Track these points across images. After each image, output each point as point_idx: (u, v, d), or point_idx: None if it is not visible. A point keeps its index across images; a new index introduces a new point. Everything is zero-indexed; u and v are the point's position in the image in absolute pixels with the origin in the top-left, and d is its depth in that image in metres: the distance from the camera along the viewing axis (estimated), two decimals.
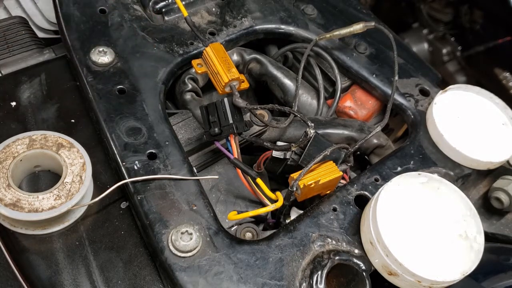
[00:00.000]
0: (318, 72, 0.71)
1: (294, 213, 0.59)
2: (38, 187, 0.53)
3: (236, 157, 0.53)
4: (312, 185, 0.51)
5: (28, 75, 0.62)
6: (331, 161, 0.54)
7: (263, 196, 0.52)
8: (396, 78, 0.63)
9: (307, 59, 0.72)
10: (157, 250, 0.47)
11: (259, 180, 0.51)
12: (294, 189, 0.50)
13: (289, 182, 0.52)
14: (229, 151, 0.53)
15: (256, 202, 0.61)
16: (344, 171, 0.57)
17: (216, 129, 0.53)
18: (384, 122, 0.60)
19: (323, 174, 0.52)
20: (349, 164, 0.58)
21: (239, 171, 0.53)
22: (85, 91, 0.58)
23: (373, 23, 0.64)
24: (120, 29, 0.64)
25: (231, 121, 0.53)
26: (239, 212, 0.51)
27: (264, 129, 0.63)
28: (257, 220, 0.58)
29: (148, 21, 0.66)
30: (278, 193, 0.51)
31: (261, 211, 0.49)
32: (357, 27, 0.64)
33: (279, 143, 0.60)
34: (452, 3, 1.05)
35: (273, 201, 0.51)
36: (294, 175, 0.51)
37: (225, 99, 0.54)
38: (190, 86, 0.66)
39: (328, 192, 0.55)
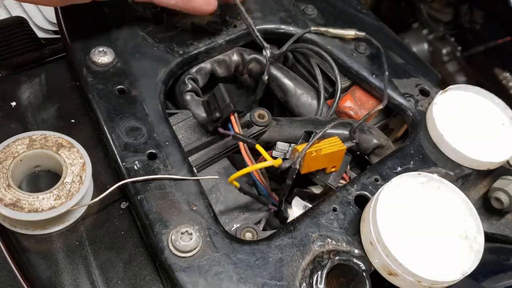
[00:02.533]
0: (318, 72, 0.71)
1: (296, 209, 0.59)
2: (38, 187, 0.53)
3: (237, 132, 0.54)
4: (313, 154, 0.51)
5: (28, 75, 0.62)
6: (336, 137, 0.54)
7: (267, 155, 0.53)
8: (388, 91, 0.66)
9: (308, 59, 0.72)
10: (157, 250, 0.47)
11: (258, 146, 0.52)
12: (297, 166, 0.51)
13: (293, 153, 0.53)
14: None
15: (257, 201, 0.61)
16: (349, 148, 0.57)
17: (217, 113, 0.54)
18: (384, 103, 0.62)
19: (326, 146, 0.53)
20: (354, 141, 0.58)
21: (242, 146, 0.54)
22: (85, 91, 0.58)
23: (363, 34, 0.69)
24: (120, 29, 0.64)
25: (228, 100, 0.54)
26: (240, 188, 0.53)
27: (264, 129, 0.63)
28: (260, 201, 0.58)
29: (148, 21, 0.66)
30: (279, 159, 0.52)
31: (260, 166, 0.50)
32: (349, 32, 0.69)
33: (279, 144, 0.60)
34: (452, 3, 1.05)
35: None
36: (299, 147, 0.52)
37: (220, 84, 0.55)
38: (190, 86, 0.66)
39: (333, 169, 0.56)
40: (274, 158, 0.59)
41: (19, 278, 0.48)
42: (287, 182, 0.53)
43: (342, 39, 0.70)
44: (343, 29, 0.70)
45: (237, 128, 0.55)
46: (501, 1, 0.89)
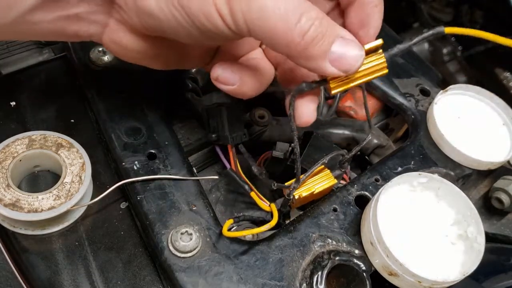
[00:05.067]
0: None
1: (294, 213, 0.59)
2: (38, 187, 0.53)
3: (233, 167, 0.52)
4: (307, 195, 0.51)
5: (27, 75, 0.62)
6: (326, 168, 0.54)
7: (261, 202, 0.52)
8: (388, 91, 0.63)
9: None
10: (157, 250, 0.47)
11: (253, 194, 0.51)
12: (291, 197, 0.50)
13: (283, 191, 0.52)
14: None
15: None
16: (337, 177, 0.56)
17: (214, 135, 0.53)
18: (368, 138, 0.60)
19: (318, 183, 0.52)
20: (342, 170, 0.58)
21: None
22: (85, 91, 0.58)
23: None
24: None
25: (227, 133, 0.52)
26: (235, 220, 0.51)
27: (264, 129, 0.63)
28: (257, 221, 0.58)
29: None
30: (272, 205, 0.50)
31: (256, 231, 0.48)
32: None
33: (279, 143, 0.60)
34: (453, 2, 1.05)
35: (267, 212, 0.51)
36: (289, 184, 0.51)
37: (224, 109, 0.53)
38: (190, 86, 0.66)
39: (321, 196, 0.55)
40: (275, 157, 0.59)
41: (19, 278, 0.47)
42: (281, 209, 0.53)
43: None
44: None
45: (233, 162, 0.53)
46: (501, 1, 0.89)
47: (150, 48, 0.45)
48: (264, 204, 0.51)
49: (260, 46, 0.51)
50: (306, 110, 0.44)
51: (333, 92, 0.42)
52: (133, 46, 0.44)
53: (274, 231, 0.51)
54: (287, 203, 0.51)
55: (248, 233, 0.48)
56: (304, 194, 0.50)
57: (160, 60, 0.47)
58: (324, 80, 0.42)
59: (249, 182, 0.52)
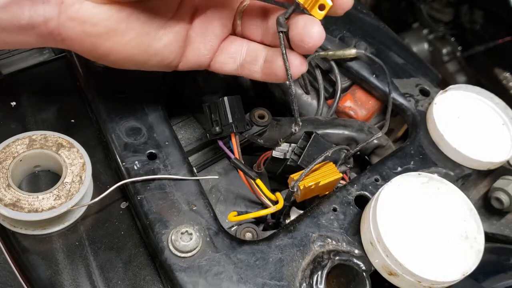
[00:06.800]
0: (318, 72, 0.71)
1: (294, 213, 0.59)
2: (38, 187, 0.53)
3: (237, 157, 0.53)
4: (312, 187, 0.51)
5: (28, 75, 0.62)
6: (331, 162, 0.54)
7: (264, 197, 0.52)
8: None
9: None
10: (157, 250, 0.47)
11: (259, 181, 0.51)
12: (295, 190, 0.50)
13: (289, 183, 0.52)
14: (230, 150, 0.53)
15: (257, 202, 0.61)
16: (344, 172, 0.57)
17: (217, 128, 0.53)
18: (385, 128, 0.61)
19: (323, 175, 0.52)
20: (348, 166, 0.58)
21: (240, 173, 0.53)
22: (85, 91, 0.58)
23: (363, 51, 0.68)
24: None
25: (230, 121, 0.53)
26: (239, 213, 0.51)
27: (264, 129, 0.63)
28: (257, 220, 0.58)
29: None
30: (278, 194, 0.51)
31: (262, 213, 0.48)
32: (350, 52, 0.68)
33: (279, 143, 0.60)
34: (452, 3, 1.05)
35: (273, 202, 0.51)
36: (294, 176, 0.51)
37: (226, 98, 0.54)
38: (190, 87, 0.66)
39: (327, 192, 0.55)
40: (275, 157, 0.59)
41: (19, 278, 0.48)
42: (285, 203, 0.53)
43: (341, 38, 0.70)
44: (343, 49, 0.68)
45: (237, 151, 0.53)
46: (501, 1, 0.89)
47: (114, 16, 0.40)
48: (269, 191, 0.51)
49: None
50: (313, 29, 0.44)
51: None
52: (93, 16, 0.39)
53: (274, 230, 0.51)
54: (291, 195, 0.52)
55: (254, 216, 0.49)
56: (309, 184, 0.50)
57: (128, 35, 0.42)
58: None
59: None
